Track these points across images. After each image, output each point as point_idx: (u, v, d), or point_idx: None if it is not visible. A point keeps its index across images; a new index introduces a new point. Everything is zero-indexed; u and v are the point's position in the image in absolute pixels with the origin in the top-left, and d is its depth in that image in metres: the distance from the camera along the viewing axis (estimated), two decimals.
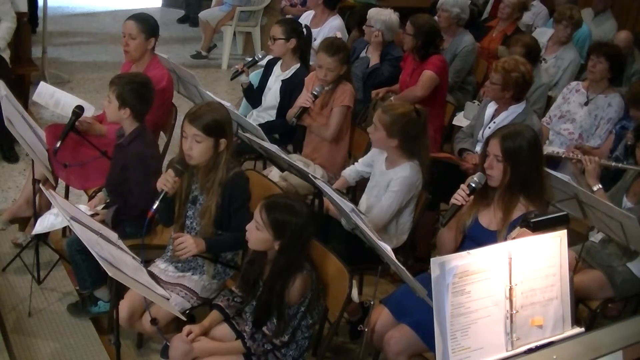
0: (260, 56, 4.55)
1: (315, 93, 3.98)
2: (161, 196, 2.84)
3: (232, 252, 3.09)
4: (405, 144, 3.29)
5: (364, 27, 5.21)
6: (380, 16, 5.04)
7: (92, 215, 3.14)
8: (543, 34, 5.62)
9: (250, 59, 4.54)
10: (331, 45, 3.99)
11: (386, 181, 3.35)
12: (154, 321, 2.75)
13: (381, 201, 3.33)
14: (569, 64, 5.47)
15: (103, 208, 3.38)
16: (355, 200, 3.73)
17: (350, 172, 3.71)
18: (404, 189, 3.29)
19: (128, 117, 3.27)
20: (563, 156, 3.82)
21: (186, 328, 2.73)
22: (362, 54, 5.28)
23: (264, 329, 2.68)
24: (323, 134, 4.04)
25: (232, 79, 4.54)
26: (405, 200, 3.33)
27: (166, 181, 2.86)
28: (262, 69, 4.72)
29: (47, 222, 3.27)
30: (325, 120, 4.05)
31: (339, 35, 4.83)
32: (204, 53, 7.78)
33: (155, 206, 2.83)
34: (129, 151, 3.26)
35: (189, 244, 2.87)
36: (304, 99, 4.02)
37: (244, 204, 2.96)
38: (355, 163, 3.72)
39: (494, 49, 5.78)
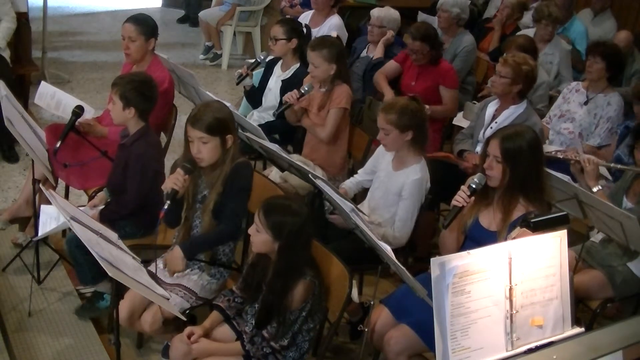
0: (262, 57, 4.55)
1: (303, 91, 3.96)
2: (172, 196, 2.83)
3: (218, 247, 3.04)
4: (419, 135, 3.30)
5: (369, 26, 5.21)
6: (392, 16, 5.14)
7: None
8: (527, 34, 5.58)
9: (253, 61, 4.53)
10: (318, 41, 4.00)
11: (395, 185, 3.34)
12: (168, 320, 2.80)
13: (398, 213, 3.32)
14: (560, 56, 5.46)
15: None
16: (355, 201, 3.73)
17: (350, 185, 3.68)
18: (417, 193, 3.29)
19: (133, 116, 3.26)
20: (561, 157, 3.82)
21: (187, 329, 2.73)
22: (363, 54, 5.29)
23: (264, 332, 2.67)
24: (319, 135, 4.02)
25: (237, 84, 4.54)
26: (422, 201, 3.33)
27: (176, 180, 2.85)
28: (263, 68, 4.73)
29: (49, 225, 3.26)
30: (322, 122, 4.04)
31: (334, 34, 4.82)
32: (219, 52, 7.77)
33: (166, 207, 2.82)
34: (131, 151, 3.26)
35: (169, 264, 2.90)
36: (288, 95, 4.02)
37: (240, 192, 2.94)
38: (356, 174, 3.70)
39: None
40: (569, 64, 5.53)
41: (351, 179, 3.71)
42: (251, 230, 2.69)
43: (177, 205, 2.94)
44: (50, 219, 3.27)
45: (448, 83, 4.70)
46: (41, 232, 3.29)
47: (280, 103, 4.37)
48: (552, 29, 5.45)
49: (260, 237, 2.65)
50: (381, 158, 3.54)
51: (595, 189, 3.43)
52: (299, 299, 2.62)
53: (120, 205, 3.28)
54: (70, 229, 3.39)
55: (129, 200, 3.26)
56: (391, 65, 4.94)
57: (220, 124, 2.88)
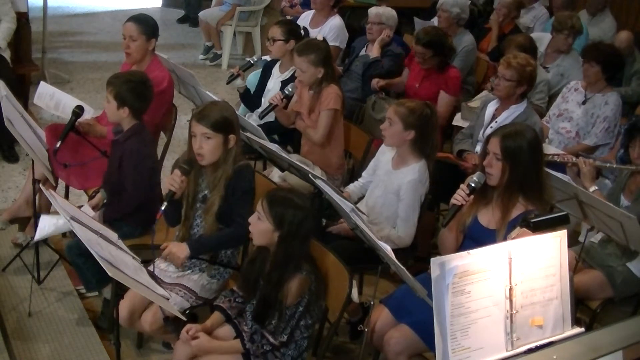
0: (255, 59, 4.52)
1: (287, 92, 3.96)
2: (169, 197, 2.84)
3: (223, 250, 3.05)
4: (421, 138, 3.29)
5: (367, 25, 5.21)
6: (390, 13, 5.16)
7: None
8: (540, 40, 5.46)
9: (246, 62, 4.52)
10: (303, 46, 3.97)
11: (393, 183, 3.34)
12: (167, 319, 2.79)
13: (399, 215, 3.31)
14: (571, 71, 5.36)
15: (100, 208, 3.38)
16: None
17: (354, 189, 3.67)
18: (414, 193, 3.28)
19: (127, 115, 3.28)
20: (558, 160, 3.82)
21: (187, 326, 2.73)
22: (362, 52, 5.29)
23: (263, 330, 2.68)
24: (312, 138, 4.01)
25: (228, 83, 4.51)
26: (421, 200, 3.32)
27: (173, 181, 2.86)
28: (261, 69, 4.72)
29: (47, 230, 3.24)
30: (315, 125, 4.01)
31: (320, 37, 4.83)
32: (219, 52, 7.78)
33: (163, 208, 2.83)
34: (125, 148, 3.27)
35: (172, 253, 2.89)
36: (273, 97, 4.01)
37: (244, 195, 2.94)
38: (359, 178, 3.68)
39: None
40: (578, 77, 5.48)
41: (355, 183, 3.70)
42: (252, 219, 2.69)
43: (175, 205, 2.95)
44: (48, 225, 3.24)
45: (449, 89, 4.70)
46: (38, 235, 3.25)
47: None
48: (572, 41, 5.30)
49: (260, 226, 2.65)
50: (382, 156, 3.54)
51: (591, 189, 3.44)
52: (294, 292, 2.62)
53: (124, 204, 3.28)
54: (70, 232, 3.40)
55: (130, 197, 3.26)
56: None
57: (225, 122, 2.90)
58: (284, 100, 3.99)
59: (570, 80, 5.09)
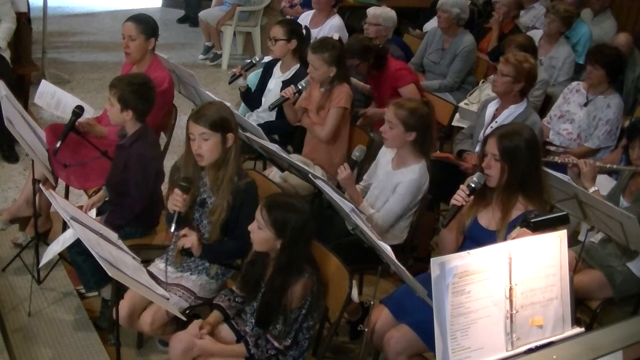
0: (257, 59, 4.52)
1: (300, 87, 3.97)
2: (175, 217, 2.83)
3: (226, 260, 3.07)
4: (422, 137, 3.30)
5: (364, 25, 5.21)
6: (388, 14, 5.16)
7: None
8: (534, 36, 5.45)
9: (248, 62, 4.53)
10: (319, 44, 3.99)
11: (393, 183, 3.34)
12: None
13: (387, 204, 3.31)
14: (563, 62, 5.44)
15: (99, 208, 3.38)
16: None
17: None
18: (411, 193, 3.29)
19: (131, 118, 3.26)
20: (559, 161, 3.82)
21: (197, 322, 2.73)
22: None
23: (268, 335, 2.67)
24: (319, 135, 4.02)
25: (229, 83, 4.52)
26: (413, 204, 3.33)
27: (176, 201, 2.85)
28: (261, 69, 4.72)
29: (49, 254, 3.21)
30: (322, 122, 4.03)
31: (335, 36, 4.85)
32: (219, 52, 7.78)
33: (172, 229, 2.82)
34: (131, 152, 3.26)
35: (192, 238, 2.88)
36: (285, 90, 4.03)
37: (252, 212, 2.95)
38: (360, 182, 3.68)
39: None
40: (569, 71, 5.50)
41: (356, 185, 3.70)
42: (252, 228, 2.68)
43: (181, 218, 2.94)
44: (49, 252, 3.19)
45: (402, 82, 4.63)
46: (44, 260, 3.20)
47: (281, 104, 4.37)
48: (557, 25, 5.38)
49: (261, 235, 2.64)
50: (382, 157, 3.54)
51: (591, 190, 3.44)
52: (298, 295, 2.62)
53: (127, 209, 3.27)
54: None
55: (135, 203, 3.25)
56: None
57: (222, 121, 2.90)
58: (296, 94, 4.00)
59: (561, 70, 5.24)
